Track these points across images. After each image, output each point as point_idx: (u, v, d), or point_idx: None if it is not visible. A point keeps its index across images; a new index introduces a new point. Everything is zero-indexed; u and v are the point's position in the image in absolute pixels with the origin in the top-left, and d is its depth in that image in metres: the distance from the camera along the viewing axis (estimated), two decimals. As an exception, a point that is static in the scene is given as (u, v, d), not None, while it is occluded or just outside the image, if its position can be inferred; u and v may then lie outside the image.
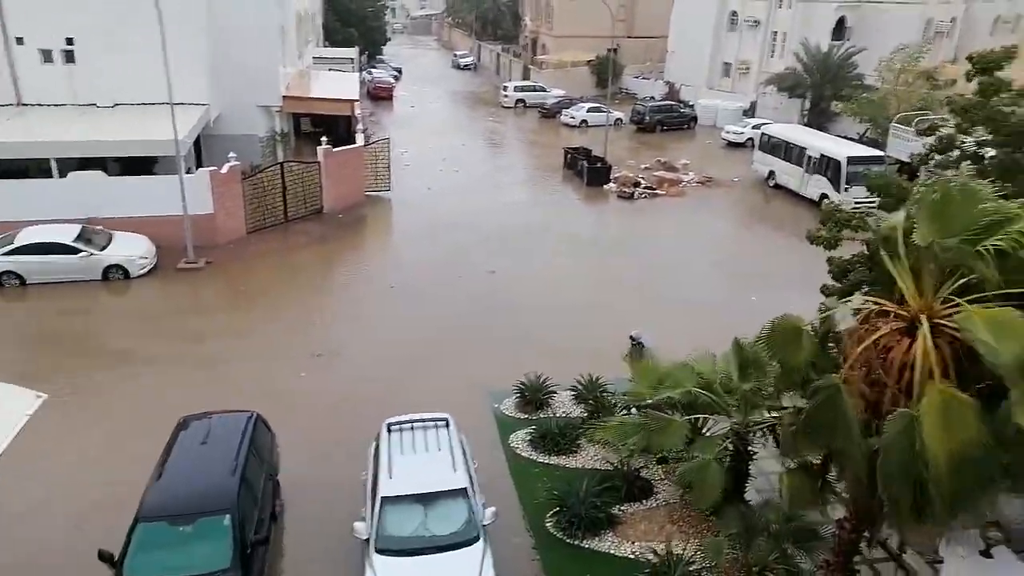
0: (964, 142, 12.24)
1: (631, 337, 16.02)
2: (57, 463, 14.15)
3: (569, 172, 37.50)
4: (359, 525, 11.18)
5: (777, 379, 10.82)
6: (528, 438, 15.25)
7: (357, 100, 36.61)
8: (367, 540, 10.99)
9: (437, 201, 31.94)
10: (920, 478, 7.58)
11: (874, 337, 8.56)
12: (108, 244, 23.11)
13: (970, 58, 12.29)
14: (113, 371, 17.80)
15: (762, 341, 9.83)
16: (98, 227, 23.70)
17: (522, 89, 57.91)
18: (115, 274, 22.80)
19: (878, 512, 8.72)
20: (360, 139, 31.90)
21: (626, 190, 33.93)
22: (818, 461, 10.12)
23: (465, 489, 11.59)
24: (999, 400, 7.63)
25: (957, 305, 8.07)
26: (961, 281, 8.21)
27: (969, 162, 11.27)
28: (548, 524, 12.85)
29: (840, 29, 48.39)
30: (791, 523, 11.48)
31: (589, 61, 62.15)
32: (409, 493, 11.48)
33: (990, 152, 11.56)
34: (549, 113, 52.69)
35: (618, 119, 48.32)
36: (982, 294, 8.03)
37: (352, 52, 51.54)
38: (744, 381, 12.11)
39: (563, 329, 20.12)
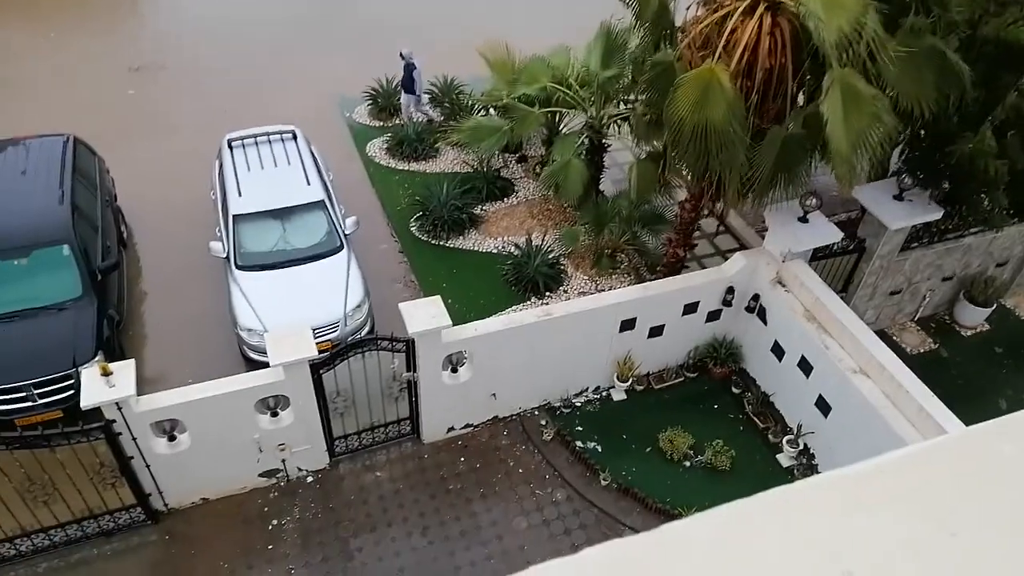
0: None
1: (401, 55, 14.59)
2: None
3: None
4: (215, 244, 10.88)
5: (635, 65, 10.73)
6: (385, 146, 14.86)
7: None
8: (227, 258, 10.81)
9: None
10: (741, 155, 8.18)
11: (717, 15, 8.46)
12: None
13: None
14: None
15: None
16: None
17: None
18: None
19: (713, 190, 9.42)
20: None
21: None
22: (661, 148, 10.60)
23: (322, 201, 11.36)
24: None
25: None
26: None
27: None
28: (413, 228, 13.09)
29: None
30: (640, 208, 12.28)
31: None
32: (262, 210, 11.13)
33: None
34: None
35: None
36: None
37: None
38: (605, 68, 12.02)
39: (411, 23, 18.52)
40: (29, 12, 18.51)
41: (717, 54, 8.17)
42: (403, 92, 14.96)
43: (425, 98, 15.10)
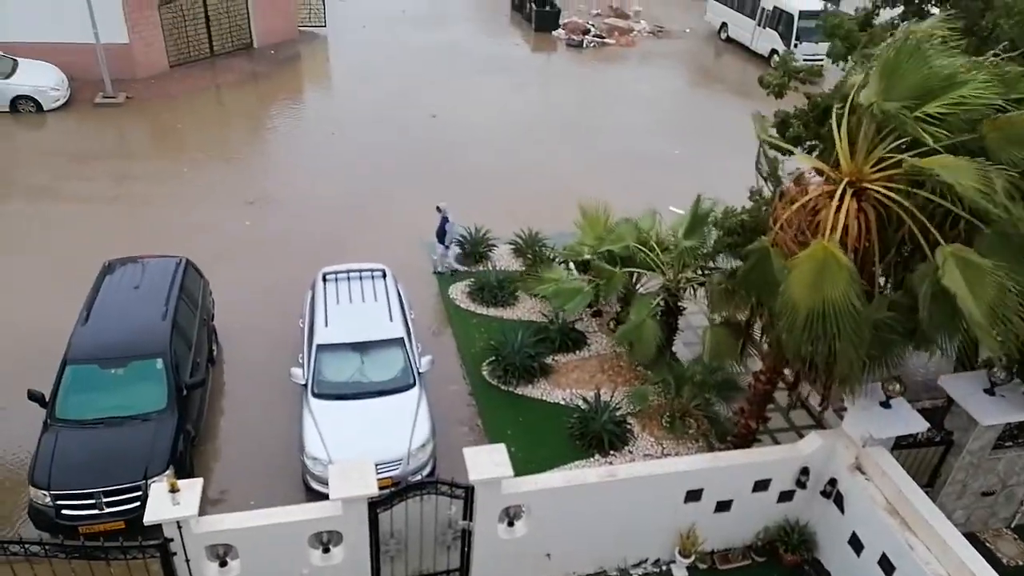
0: None
1: (438, 208, 15.37)
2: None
3: (517, 15, 35.53)
4: (296, 371, 11.32)
5: (717, 240, 11.03)
6: (467, 290, 15.40)
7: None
8: (304, 384, 11.17)
9: (375, 40, 30.02)
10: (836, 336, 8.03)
11: (805, 199, 8.70)
12: (13, 72, 21.21)
13: None
14: (33, 210, 16.95)
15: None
16: (-2, 52, 21.63)
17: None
18: (26, 106, 21.09)
19: (796, 368, 9.26)
20: (291, -35, 29.20)
21: (575, 37, 32.48)
22: (742, 318, 10.62)
23: (401, 339, 11.75)
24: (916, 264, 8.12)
25: (887, 168, 8.23)
26: (897, 143, 8.27)
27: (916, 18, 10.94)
28: (484, 372, 13.27)
29: None
30: (713, 374, 12.14)
31: None
32: (344, 342, 11.58)
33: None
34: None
35: (571, -42, 45.40)
36: (908, 154, 8.14)
37: None
38: (689, 238, 12.40)
39: (504, 179, 19.85)
40: (171, 148, 20.80)
41: (826, 236, 8.16)
42: (437, 242, 15.59)
43: (455, 249, 15.86)
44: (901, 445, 9.63)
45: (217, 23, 25.89)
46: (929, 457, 10.04)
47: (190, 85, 24.20)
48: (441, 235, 15.45)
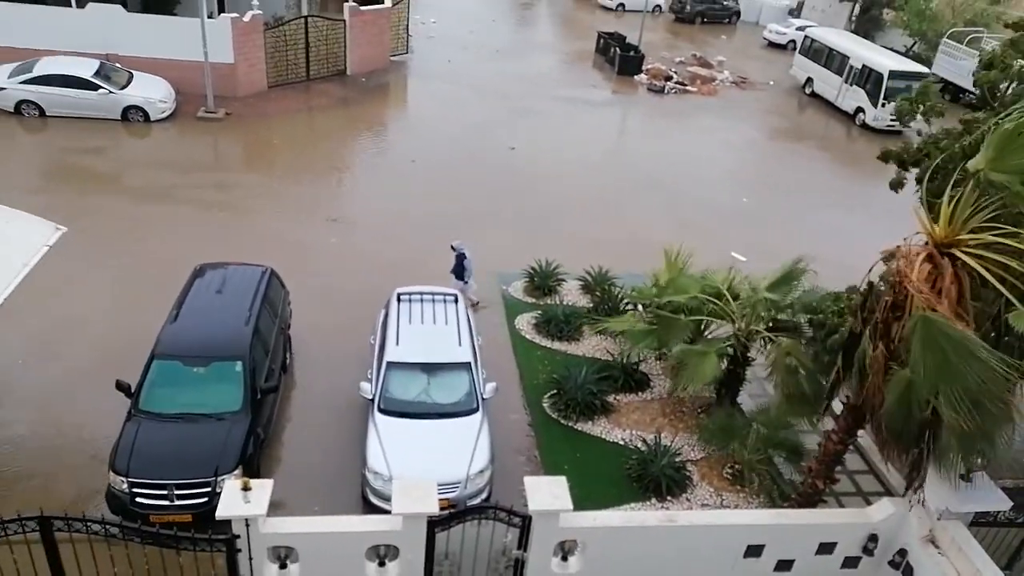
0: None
1: (452, 247, 15.24)
2: (74, 296, 14.56)
3: (601, 58, 36.10)
4: (364, 385, 11.60)
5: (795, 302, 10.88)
6: (534, 322, 15.53)
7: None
8: (371, 400, 11.44)
9: (461, 74, 30.97)
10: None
11: (917, 269, 8.39)
12: (128, 83, 22.73)
13: None
14: (133, 212, 18.00)
15: None
16: (116, 64, 23.21)
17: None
18: (135, 115, 22.53)
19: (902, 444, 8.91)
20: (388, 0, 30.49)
21: (657, 83, 32.76)
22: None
23: (469, 363, 11.92)
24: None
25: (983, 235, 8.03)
26: (996, 213, 8.06)
27: None
28: (545, 404, 13.30)
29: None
30: (780, 430, 11.88)
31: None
32: (414, 361, 11.83)
33: None
34: (586, -8, 50.00)
35: (657, 6, 45.99)
36: (1007, 229, 7.92)
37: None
38: (771, 291, 12.34)
39: (575, 214, 20.11)
40: (264, 164, 21.94)
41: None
42: (454, 278, 15.28)
43: (473, 285, 15.62)
44: (978, 522, 9.19)
45: (316, 49, 27.18)
46: (1009, 539, 9.55)
47: (285, 106, 25.41)
48: (459, 272, 15.32)
